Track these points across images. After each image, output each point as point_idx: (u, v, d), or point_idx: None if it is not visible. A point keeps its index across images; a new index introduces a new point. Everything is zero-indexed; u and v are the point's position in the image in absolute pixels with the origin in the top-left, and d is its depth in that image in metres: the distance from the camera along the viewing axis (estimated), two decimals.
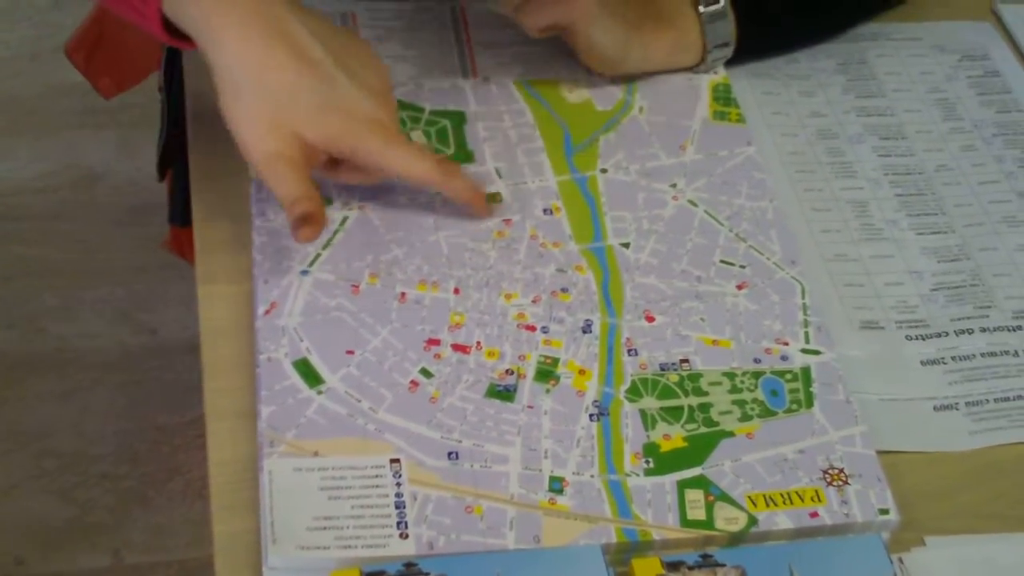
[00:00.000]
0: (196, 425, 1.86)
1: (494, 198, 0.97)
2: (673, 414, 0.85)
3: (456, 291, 0.90)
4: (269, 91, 0.86)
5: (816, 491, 0.82)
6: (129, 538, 1.82)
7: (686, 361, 0.88)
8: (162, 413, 1.95)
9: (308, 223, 0.86)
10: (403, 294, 0.90)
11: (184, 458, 1.90)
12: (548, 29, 1.01)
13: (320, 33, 0.89)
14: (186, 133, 1.02)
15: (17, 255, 2.12)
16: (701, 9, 1.05)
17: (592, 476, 0.82)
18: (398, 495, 0.80)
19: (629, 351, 0.88)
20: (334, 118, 0.88)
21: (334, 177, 0.93)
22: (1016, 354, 0.93)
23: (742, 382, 0.87)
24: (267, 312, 0.88)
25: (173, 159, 1.26)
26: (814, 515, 0.81)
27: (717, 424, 0.85)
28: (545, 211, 0.96)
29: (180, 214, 1.31)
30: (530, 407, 0.85)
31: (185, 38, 0.87)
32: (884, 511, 0.81)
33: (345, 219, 0.94)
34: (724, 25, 1.06)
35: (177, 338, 2.03)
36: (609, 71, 1.05)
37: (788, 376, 0.88)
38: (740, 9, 1.05)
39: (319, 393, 0.84)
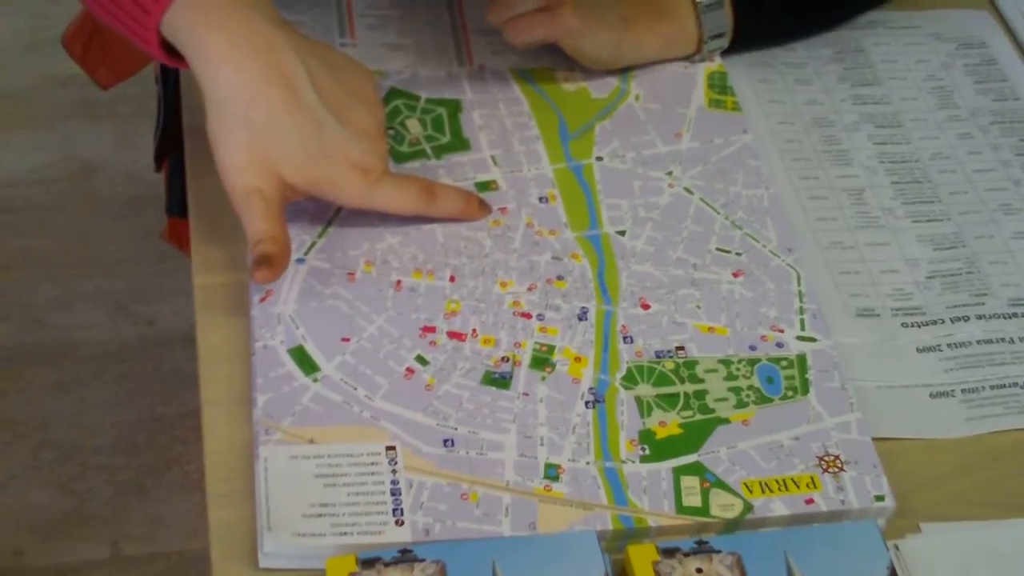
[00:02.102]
0: (194, 416, 1.85)
1: (489, 186, 0.97)
2: (669, 401, 0.85)
3: (452, 279, 0.90)
4: (256, 127, 0.85)
5: (812, 478, 0.82)
6: (127, 529, 1.82)
7: (682, 348, 0.88)
8: (160, 404, 1.95)
9: (267, 265, 0.85)
10: (399, 282, 0.90)
11: (182, 449, 1.90)
12: (535, 44, 1.01)
13: (316, 69, 0.87)
14: (182, 123, 1.01)
15: (14, 247, 2.12)
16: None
17: (588, 463, 0.82)
18: (394, 482, 0.80)
19: (625, 338, 0.88)
20: (318, 165, 0.87)
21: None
22: (1012, 341, 0.93)
23: (738, 369, 0.87)
24: (263, 300, 0.88)
25: (170, 150, 1.26)
26: (810, 502, 0.81)
27: (713, 411, 0.85)
28: (541, 199, 0.96)
29: (177, 205, 1.31)
30: (526, 394, 0.85)
31: (183, 59, 0.86)
32: (880, 498, 0.82)
33: (340, 208, 0.94)
34: (720, 15, 1.05)
35: (175, 329, 2.03)
36: (603, 68, 1.05)
37: (784, 363, 0.88)
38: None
39: (315, 381, 0.84)
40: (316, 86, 0.87)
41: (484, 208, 0.95)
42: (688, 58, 1.07)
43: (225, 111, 0.85)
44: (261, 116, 0.85)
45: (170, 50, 0.87)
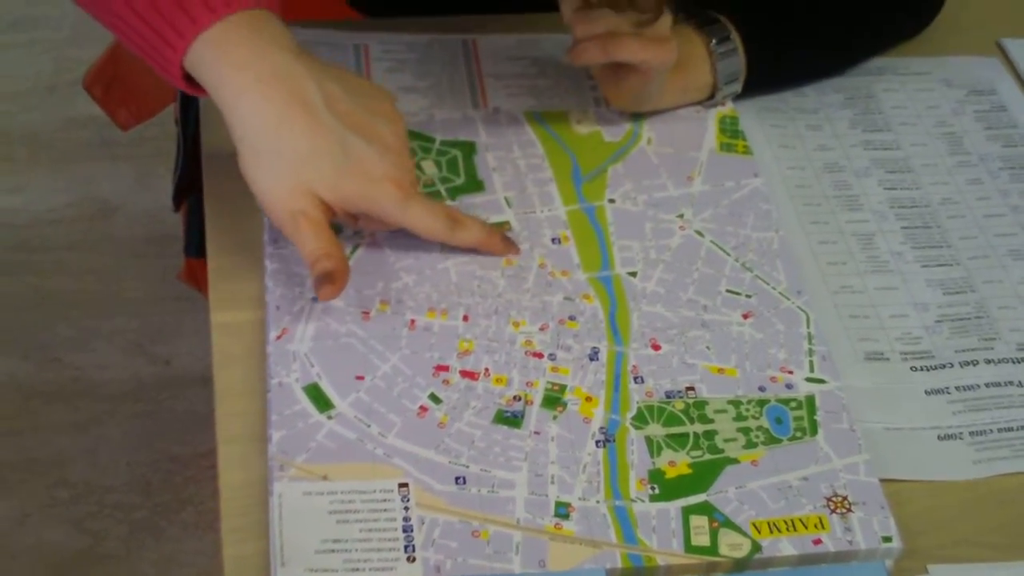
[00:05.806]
0: (209, 456, 1.86)
1: (503, 227, 0.98)
2: (678, 441, 0.86)
3: (465, 318, 0.91)
4: (285, 156, 0.87)
5: (820, 518, 0.83)
6: (141, 568, 1.82)
7: (692, 389, 0.89)
8: (175, 444, 1.95)
9: (330, 281, 0.88)
10: (412, 321, 0.91)
11: (196, 489, 1.91)
12: (601, 61, 1.01)
13: (336, 93, 0.89)
14: (201, 165, 1.03)
15: (33, 286, 2.13)
16: (713, 47, 1.06)
17: (598, 502, 0.82)
18: (406, 519, 0.80)
19: (635, 379, 0.89)
20: (350, 181, 0.89)
21: (354, 226, 0.94)
22: (1020, 385, 0.94)
23: (747, 410, 0.88)
24: (279, 337, 0.89)
25: (189, 191, 1.27)
26: (817, 542, 0.82)
27: (722, 451, 0.86)
28: (554, 240, 0.98)
29: (195, 245, 1.32)
30: (537, 433, 0.86)
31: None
32: (887, 539, 0.82)
33: (356, 247, 0.95)
34: (735, 61, 1.07)
35: (191, 369, 2.04)
36: (629, 109, 1.06)
37: (793, 404, 0.89)
38: (750, 44, 1.06)
39: (329, 418, 0.85)
40: (336, 108, 0.89)
41: (508, 244, 0.96)
42: (702, 103, 1.08)
43: (253, 143, 0.87)
44: (287, 143, 0.87)
45: (192, 79, 0.89)
